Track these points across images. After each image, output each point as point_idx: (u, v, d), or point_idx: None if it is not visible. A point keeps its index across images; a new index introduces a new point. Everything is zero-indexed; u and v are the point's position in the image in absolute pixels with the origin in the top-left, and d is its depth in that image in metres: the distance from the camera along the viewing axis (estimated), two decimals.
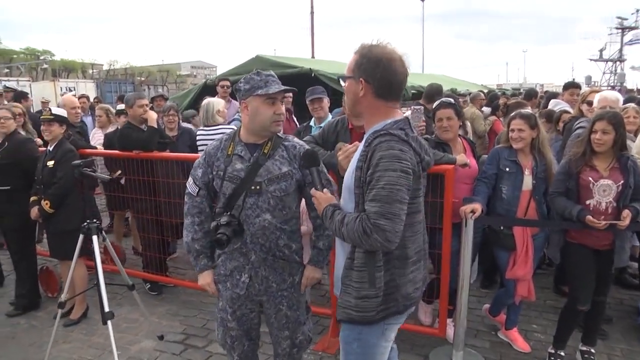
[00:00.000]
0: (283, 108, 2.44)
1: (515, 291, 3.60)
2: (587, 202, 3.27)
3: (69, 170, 3.69)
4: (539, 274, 4.88)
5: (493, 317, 4.04)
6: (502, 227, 3.57)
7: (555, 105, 5.87)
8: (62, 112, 4.33)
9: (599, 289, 3.38)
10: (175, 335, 4.06)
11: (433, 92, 5.68)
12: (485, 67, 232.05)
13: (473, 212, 3.36)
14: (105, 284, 3.34)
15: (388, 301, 2.01)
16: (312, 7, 27.46)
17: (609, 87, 33.96)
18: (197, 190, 2.53)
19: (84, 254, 3.94)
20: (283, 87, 2.38)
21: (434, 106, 3.85)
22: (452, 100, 3.87)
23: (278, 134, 2.49)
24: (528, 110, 4.06)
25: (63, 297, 3.51)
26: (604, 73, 53.72)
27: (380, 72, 1.93)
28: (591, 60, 55.44)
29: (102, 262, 4.53)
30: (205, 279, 2.59)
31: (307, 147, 2.50)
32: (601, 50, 54.82)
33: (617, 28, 53.03)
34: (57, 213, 4.12)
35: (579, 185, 3.30)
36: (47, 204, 4.08)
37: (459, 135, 3.84)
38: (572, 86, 6.33)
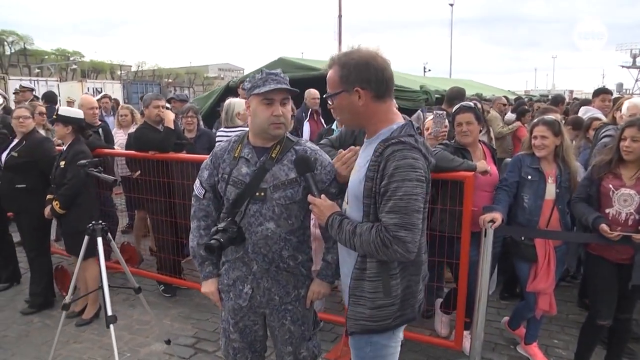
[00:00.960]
0: (286, 109, 2.24)
1: (536, 304, 3.47)
2: (607, 210, 3.13)
3: (78, 171, 3.69)
4: (562, 286, 4.72)
5: (512, 331, 3.90)
6: (523, 238, 3.44)
7: (585, 112, 5.69)
8: (69, 113, 4.32)
9: (622, 306, 3.22)
10: (186, 339, 4.02)
11: (454, 95, 5.48)
12: (514, 73, 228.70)
13: (493, 221, 3.23)
14: (110, 286, 3.29)
15: (405, 307, 1.99)
16: (340, 10, 27.58)
17: None
18: (203, 192, 2.42)
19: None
20: (278, 86, 2.15)
21: (453, 110, 3.74)
22: (471, 104, 3.76)
23: (289, 137, 2.34)
24: (552, 116, 3.91)
25: (67, 298, 3.48)
26: (636, 80, 52.45)
27: (373, 72, 1.90)
28: (623, 67, 54.21)
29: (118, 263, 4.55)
30: (209, 287, 2.47)
31: (319, 151, 2.37)
32: (634, 57, 53.53)
33: None
34: (68, 213, 4.13)
35: (600, 193, 3.17)
36: (56, 204, 4.09)
37: (480, 140, 3.71)
38: (602, 92, 6.10)
